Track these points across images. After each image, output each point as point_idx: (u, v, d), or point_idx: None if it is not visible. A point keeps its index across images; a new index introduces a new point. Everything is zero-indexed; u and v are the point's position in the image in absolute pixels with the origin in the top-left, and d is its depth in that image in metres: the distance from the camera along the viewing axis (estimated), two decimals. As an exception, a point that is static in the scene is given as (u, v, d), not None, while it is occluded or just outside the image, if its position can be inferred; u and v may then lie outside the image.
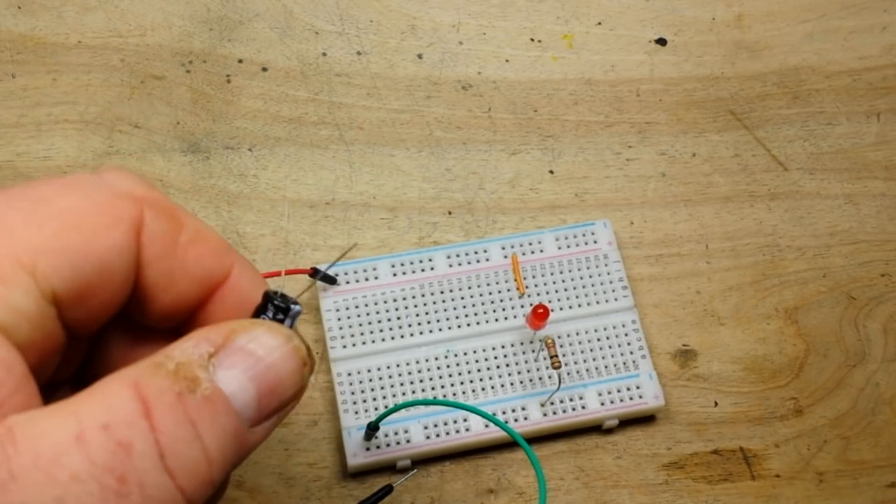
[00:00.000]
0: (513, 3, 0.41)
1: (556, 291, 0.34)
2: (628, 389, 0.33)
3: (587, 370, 0.33)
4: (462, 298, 0.34)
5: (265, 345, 0.18)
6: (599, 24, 0.41)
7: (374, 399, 0.32)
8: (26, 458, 0.15)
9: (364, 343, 0.33)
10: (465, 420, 0.32)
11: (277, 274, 0.33)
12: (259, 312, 0.20)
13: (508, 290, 0.34)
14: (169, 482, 0.16)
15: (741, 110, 0.40)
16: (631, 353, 0.33)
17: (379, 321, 0.33)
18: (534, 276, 0.34)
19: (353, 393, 0.32)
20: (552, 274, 0.35)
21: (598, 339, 0.34)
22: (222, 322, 0.19)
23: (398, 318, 0.33)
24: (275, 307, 0.20)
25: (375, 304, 0.33)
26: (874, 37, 0.42)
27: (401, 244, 0.36)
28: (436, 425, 0.32)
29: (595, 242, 0.35)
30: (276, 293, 0.20)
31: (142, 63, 0.39)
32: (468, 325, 0.33)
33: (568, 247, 0.35)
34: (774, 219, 0.38)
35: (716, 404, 0.34)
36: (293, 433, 0.32)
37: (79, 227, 0.18)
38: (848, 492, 0.33)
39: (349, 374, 0.32)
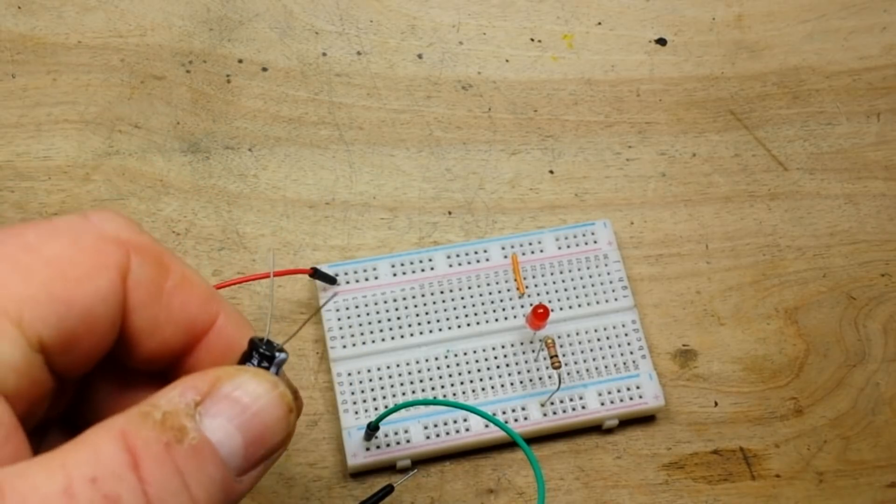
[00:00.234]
0: (513, 3, 0.41)
1: (556, 291, 0.34)
2: (628, 389, 0.33)
3: (587, 370, 0.33)
4: (462, 298, 0.34)
5: (251, 392, 0.18)
6: (599, 24, 0.41)
7: (374, 399, 0.32)
8: None
9: (364, 343, 0.33)
10: (465, 420, 0.32)
11: (266, 276, 0.33)
12: (245, 360, 0.20)
13: (508, 290, 0.34)
14: None
15: (741, 110, 0.40)
16: (631, 353, 0.33)
17: (379, 321, 0.33)
18: (534, 276, 0.34)
19: (353, 393, 0.32)
20: (552, 274, 0.35)
21: (598, 339, 0.34)
22: (208, 369, 0.19)
23: (398, 318, 0.33)
24: (260, 354, 0.20)
25: (375, 304, 0.33)
26: (874, 37, 0.42)
27: (401, 244, 0.36)
28: (436, 425, 0.32)
29: (595, 242, 0.35)
30: (261, 340, 0.20)
31: (142, 63, 0.39)
32: (468, 325, 0.33)
33: (568, 247, 0.35)
34: (774, 219, 0.38)
35: (716, 404, 0.34)
36: (294, 435, 0.32)
37: (64, 275, 0.18)
38: (848, 492, 0.33)
39: (349, 374, 0.32)
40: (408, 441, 0.31)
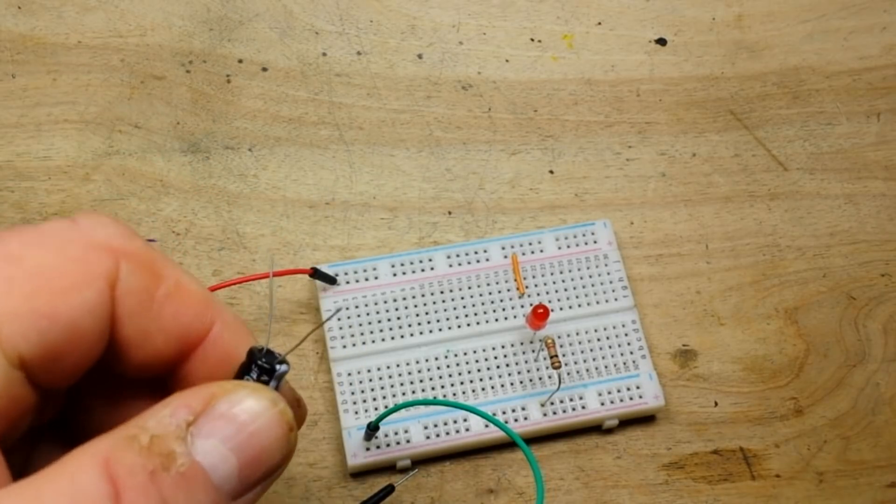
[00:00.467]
0: (513, 3, 0.41)
1: (556, 291, 0.34)
2: (628, 389, 0.33)
3: (587, 370, 0.33)
4: (462, 298, 0.34)
5: (248, 410, 0.17)
6: (599, 24, 0.41)
7: (374, 399, 0.32)
8: None
9: (364, 343, 0.33)
10: (465, 420, 0.32)
11: (266, 276, 0.33)
12: (243, 372, 0.19)
13: (508, 290, 0.34)
14: None
15: (741, 110, 0.40)
16: (631, 353, 0.33)
17: (379, 321, 0.33)
18: (534, 276, 0.34)
19: (353, 393, 0.32)
20: (552, 274, 0.35)
21: (598, 339, 0.34)
22: (203, 385, 0.18)
23: (398, 318, 0.33)
24: (259, 367, 0.18)
25: (375, 304, 0.33)
26: (874, 37, 0.42)
27: (401, 244, 0.36)
28: (436, 425, 0.32)
29: (595, 242, 0.35)
30: (261, 350, 0.19)
31: (142, 63, 0.39)
32: (468, 325, 0.33)
33: (568, 247, 0.35)
34: (774, 219, 0.38)
35: (716, 404, 0.34)
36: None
37: (48, 287, 0.17)
38: (848, 492, 0.33)
39: (349, 374, 0.32)
40: (408, 441, 0.31)
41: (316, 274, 0.33)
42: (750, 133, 0.39)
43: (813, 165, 0.39)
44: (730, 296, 0.36)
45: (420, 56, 0.40)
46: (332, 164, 0.37)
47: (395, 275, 0.34)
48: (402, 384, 0.32)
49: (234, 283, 0.33)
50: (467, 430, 0.32)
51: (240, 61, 0.39)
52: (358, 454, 0.31)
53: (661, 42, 0.41)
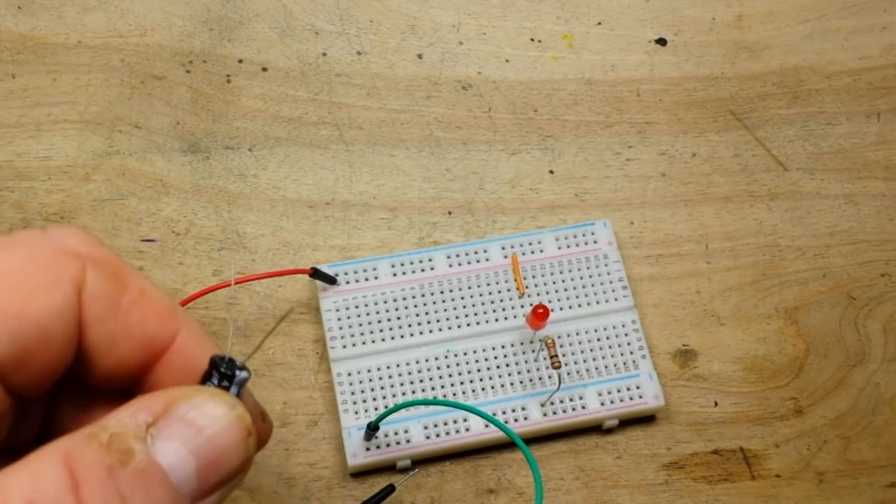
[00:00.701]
0: (513, 3, 0.41)
1: (556, 291, 0.34)
2: (628, 389, 0.33)
3: (587, 370, 0.33)
4: (462, 298, 0.34)
5: (207, 414, 0.18)
6: (599, 24, 0.41)
7: (374, 399, 0.32)
8: None
9: (364, 343, 0.33)
10: (465, 420, 0.32)
11: (227, 284, 0.33)
12: (205, 379, 0.19)
13: (508, 290, 0.34)
14: None
15: (741, 110, 0.40)
16: (631, 353, 0.33)
17: (379, 321, 0.33)
18: (534, 276, 0.34)
19: (353, 393, 0.32)
20: (552, 274, 0.35)
21: (598, 339, 0.34)
22: (164, 389, 0.18)
23: (398, 318, 0.33)
24: (220, 374, 0.19)
25: (375, 304, 0.33)
26: (874, 37, 0.42)
27: (401, 244, 0.36)
28: (436, 425, 0.32)
29: (595, 242, 0.35)
30: (222, 358, 0.19)
31: (142, 63, 0.39)
32: (468, 325, 0.33)
33: (568, 247, 0.35)
34: (774, 219, 0.38)
35: (716, 404, 0.34)
36: (293, 433, 0.32)
37: (17, 288, 0.17)
38: (848, 492, 0.33)
39: (349, 374, 0.32)
40: (408, 441, 0.31)
41: (316, 274, 0.33)
42: (750, 133, 0.39)
43: (813, 165, 0.39)
44: (730, 296, 0.36)
45: (420, 56, 0.40)
46: (332, 164, 0.37)
47: (395, 275, 0.34)
48: (402, 384, 0.32)
49: (235, 284, 0.33)
50: (467, 430, 0.32)
51: (240, 61, 0.39)
52: (358, 454, 0.31)
53: (661, 42, 0.41)
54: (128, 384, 0.20)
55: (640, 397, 0.33)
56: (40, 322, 0.17)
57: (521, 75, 0.40)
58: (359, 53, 0.40)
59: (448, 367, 0.33)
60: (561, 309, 0.34)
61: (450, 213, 0.37)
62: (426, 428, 0.32)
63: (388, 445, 0.31)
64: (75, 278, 0.18)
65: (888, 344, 0.35)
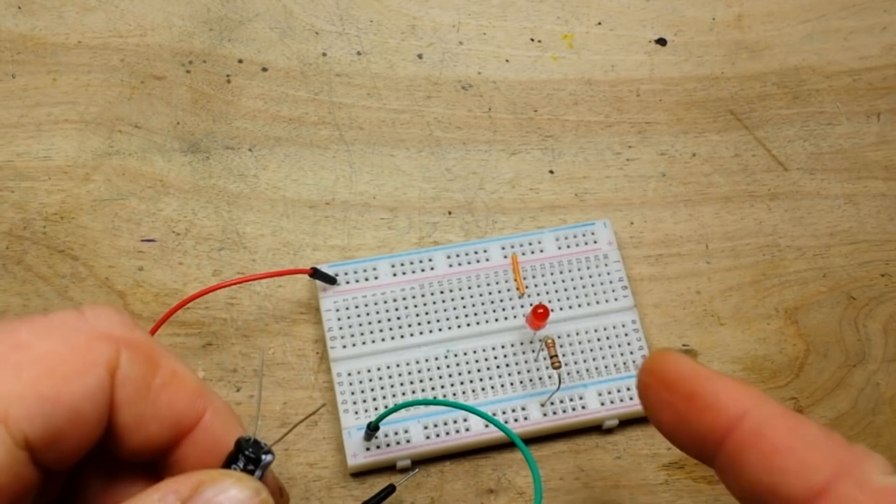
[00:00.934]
0: (513, 3, 0.41)
1: (556, 291, 0.34)
2: (628, 389, 0.33)
3: (587, 370, 0.33)
4: (462, 298, 0.34)
5: (233, 499, 0.18)
6: (599, 24, 0.41)
7: (374, 399, 0.32)
8: None
9: (364, 343, 0.33)
10: (465, 420, 0.32)
11: (227, 285, 0.33)
12: (230, 461, 0.20)
13: (508, 290, 0.34)
14: None
15: (741, 110, 0.40)
16: (631, 353, 0.33)
17: (379, 321, 0.33)
18: (534, 276, 0.34)
19: (353, 393, 0.32)
20: (552, 274, 0.35)
21: (598, 339, 0.34)
22: (192, 472, 0.19)
23: (398, 318, 0.33)
24: (245, 457, 0.20)
25: (375, 304, 0.33)
26: (874, 37, 0.42)
27: (401, 244, 0.36)
28: (436, 425, 0.32)
29: (595, 242, 0.35)
30: (248, 440, 0.20)
31: (142, 63, 0.39)
32: (468, 325, 0.33)
33: (568, 247, 0.35)
34: (774, 219, 0.38)
35: (716, 404, 0.34)
36: (293, 433, 0.32)
37: (53, 373, 0.18)
38: (848, 492, 0.33)
39: (349, 374, 0.32)
40: (408, 441, 0.31)
41: (316, 274, 0.33)
42: (750, 133, 0.39)
43: (813, 165, 0.39)
44: (730, 296, 0.36)
45: (420, 56, 0.40)
46: (332, 164, 0.37)
47: (395, 275, 0.34)
48: (402, 384, 0.32)
49: (235, 283, 0.33)
50: (467, 430, 0.32)
51: (240, 61, 0.39)
52: (358, 454, 0.31)
53: (661, 42, 0.41)
54: (152, 458, 0.21)
55: (640, 397, 0.33)
56: (74, 405, 0.18)
57: (521, 75, 0.40)
58: (359, 53, 0.40)
59: (448, 367, 0.33)
60: (561, 309, 0.34)
61: (450, 213, 0.37)
62: (426, 428, 0.32)
63: (388, 445, 0.31)
64: (109, 362, 0.19)
65: (888, 344, 0.35)
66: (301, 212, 0.36)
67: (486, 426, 0.32)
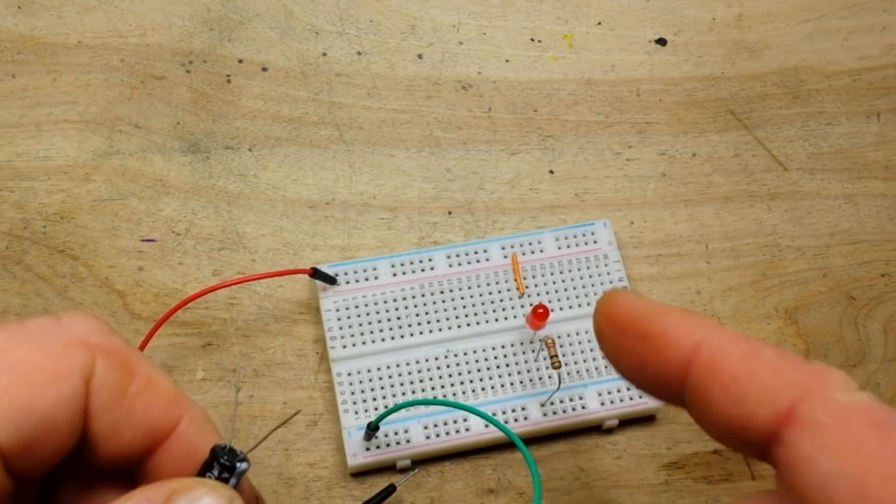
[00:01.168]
0: (513, 3, 0.41)
1: (556, 291, 0.34)
2: (628, 389, 0.33)
3: (587, 370, 0.33)
4: (462, 298, 0.34)
5: None
6: (599, 24, 0.41)
7: (374, 399, 0.32)
8: None
9: (364, 343, 0.33)
10: (465, 420, 0.32)
11: (226, 285, 0.33)
12: (205, 469, 0.20)
13: (508, 290, 0.34)
14: None
15: (741, 110, 0.40)
16: (631, 353, 0.33)
17: (379, 321, 0.33)
18: (534, 276, 0.34)
19: (353, 393, 0.32)
20: (552, 274, 0.35)
21: (598, 339, 0.34)
22: (165, 480, 0.19)
23: (398, 318, 0.33)
24: (220, 465, 0.19)
25: (375, 304, 0.33)
26: (874, 37, 0.42)
27: (401, 244, 0.36)
28: (436, 425, 0.32)
29: (595, 242, 0.35)
30: (223, 448, 0.20)
31: (142, 63, 0.39)
32: (468, 325, 0.33)
33: (568, 247, 0.35)
34: (774, 219, 0.38)
35: (716, 404, 0.34)
36: (293, 433, 0.32)
37: (27, 381, 0.18)
38: (848, 492, 0.33)
39: (349, 374, 0.32)
40: (408, 441, 0.31)
41: (316, 274, 0.33)
42: (750, 133, 0.39)
43: (813, 165, 0.39)
44: (730, 296, 0.36)
45: (420, 56, 0.40)
46: (332, 164, 0.37)
47: (395, 275, 0.34)
48: (402, 384, 0.32)
49: (235, 283, 0.33)
50: (467, 430, 0.32)
51: (240, 61, 0.39)
52: (358, 454, 0.31)
53: (661, 42, 0.41)
54: (127, 466, 0.21)
55: (641, 397, 0.33)
56: (47, 412, 0.18)
57: (521, 75, 0.40)
58: (359, 53, 0.40)
59: (448, 367, 0.33)
60: (561, 309, 0.34)
61: (450, 213, 0.37)
62: (426, 428, 0.32)
63: (388, 445, 0.31)
64: (84, 369, 0.19)
65: (888, 344, 0.35)
66: (301, 212, 0.36)
67: (486, 426, 0.32)
